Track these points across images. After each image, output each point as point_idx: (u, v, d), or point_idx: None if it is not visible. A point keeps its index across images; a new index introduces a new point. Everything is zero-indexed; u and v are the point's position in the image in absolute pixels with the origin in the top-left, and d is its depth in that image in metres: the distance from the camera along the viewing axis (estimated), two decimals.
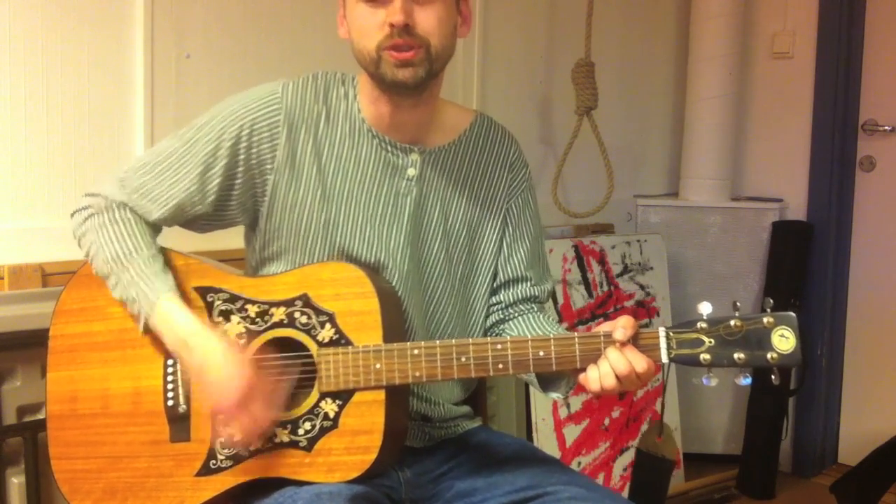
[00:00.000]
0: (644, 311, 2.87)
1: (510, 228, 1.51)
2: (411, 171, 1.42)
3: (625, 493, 2.53)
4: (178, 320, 1.30)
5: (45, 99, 1.86)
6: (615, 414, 2.73)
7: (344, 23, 1.39)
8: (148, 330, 1.33)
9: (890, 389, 3.09)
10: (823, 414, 3.18)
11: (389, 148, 1.41)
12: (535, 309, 1.52)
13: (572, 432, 2.62)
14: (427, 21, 1.31)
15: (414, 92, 1.35)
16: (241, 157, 1.37)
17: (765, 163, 3.28)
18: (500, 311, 1.51)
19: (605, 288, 2.79)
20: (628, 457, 2.72)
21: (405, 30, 1.29)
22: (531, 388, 2.54)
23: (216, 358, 1.26)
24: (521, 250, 1.51)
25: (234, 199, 1.40)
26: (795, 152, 3.18)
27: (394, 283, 1.40)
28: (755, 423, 3.02)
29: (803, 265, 3.08)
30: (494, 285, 1.51)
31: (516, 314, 1.51)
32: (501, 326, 1.51)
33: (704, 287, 3.10)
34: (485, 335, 1.52)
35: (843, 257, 3.16)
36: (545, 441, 2.54)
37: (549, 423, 2.57)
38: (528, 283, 1.51)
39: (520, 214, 1.51)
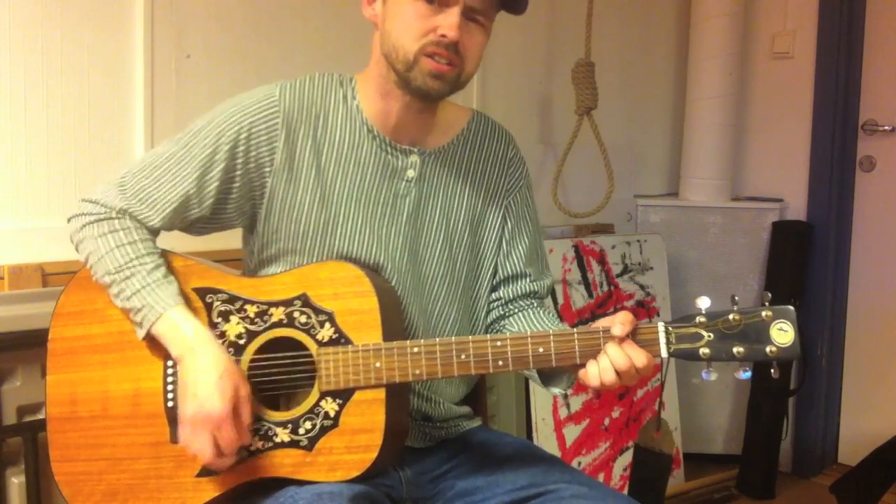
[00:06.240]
0: (644, 311, 2.86)
1: (509, 225, 1.51)
2: (410, 173, 1.42)
3: (625, 493, 2.53)
4: (184, 329, 1.30)
5: (45, 99, 1.86)
6: (615, 414, 2.73)
7: (374, 4, 1.38)
8: (147, 336, 1.32)
9: (890, 389, 3.09)
10: (823, 414, 3.18)
11: (389, 149, 1.41)
12: (536, 304, 1.52)
13: (572, 432, 2.62)
14: (471, 45, 1.33)
15: (432, 101, 1.37)
16: (239, 160, 1.37)
17: (765, 163, 3.28)
18: (501, 308, 1.52)
19: (605, 288, 2.79)
20: (628, 457, 2.72)
21: (453, 46, 1.30)
22: (531, 388, 2.54)
23: (213, 373, 1.26)
24: (521, 247, 1.51)
25: (231, 203, 1.40)
26: (795, 152, 3.18)
27: (392, 284, 1.40)
28: (755, 423, 3.02)
29: (803, 265, 3.08)
30: (494, 282, 1.51)
31: (516, 310, 1.51)
32: (502, 323, 1.51)
33: (704, 287, 3.09)
34: (486, 332, 1.52)
35: (843, 257, 3.16)
36: (545, 441, 2.54)
37: (549, 423, 2.57)
38: (528, 279, 1.51)
39: (518, 211, 1.52)
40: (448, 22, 1.29)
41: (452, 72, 1.32)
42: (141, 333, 1.32)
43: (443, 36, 1.29)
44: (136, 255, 1.33)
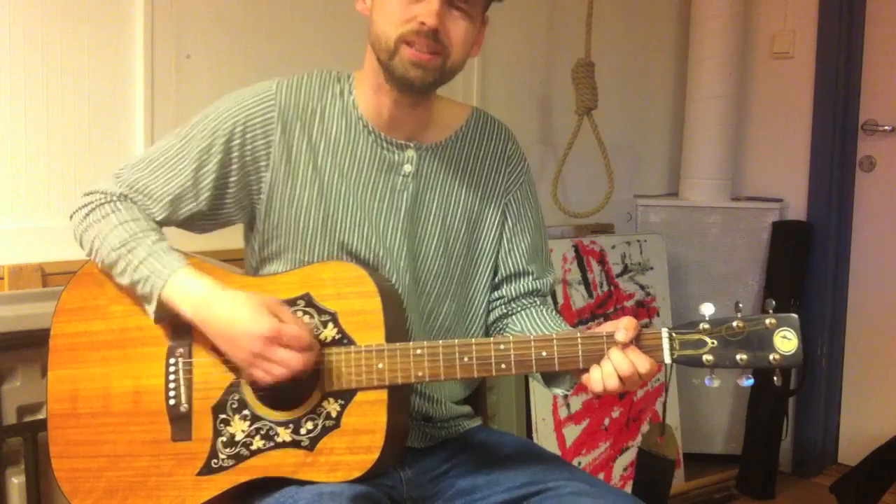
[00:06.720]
0: (644, 311, 2.87)
1: (510, 223, 1.50)
2: (407, 168, 1.42)
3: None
4: (198, 284, 1.29)
5: (45, 99, 1.86)
6: (615, 414, 2.73)
7: None
8: (159, 312, 1.31)
9: (890, 389, 3.09)
10: (823, 414, 3.18)
11: (385, 144, 1.41)
12: (538, 303, 1.51)
13: (572, 432, 2.62)
14: (455, 33, 1.33)
15: (417, 92, 1.35)
16: (235, 153, 1.37)
17: (765, 163, 3.28)
18: (503, 306, 1.51)
19: (605, 288, 2.79)
20: (628, 457, 2.72)
21: (432, 34, 1.29)
22: (531, 388, 2.54)
23: (244, 306, 1.25)
24: (522, 244, 1.51)
25: (229, 197, 1.40)
26: (795, 152, 3.18)
27: (392, 280, 1.40)
28: (755, 423, 3.02)
29: (803, 265, 3.08)
30: (496, 280, 1.51)
31: (519, 308, 1.50)
32: (505, 321, 1.51)
33: (704, 287, 3.10)
34: (487, 330, 1.52)
35: (843, 257, 3.16)
36: (545, 441, 2.54)
37: (549, 422, 2.57)
38: (530, 277, 1.51)
39: (519, 208, 1.51)
40: (427, 9, 1.29)
41: (435, 61, 1.32)
42: (151, 308, 1.31)
43: (422, 23, 1.29)
44: (139, 229, 1.34)
